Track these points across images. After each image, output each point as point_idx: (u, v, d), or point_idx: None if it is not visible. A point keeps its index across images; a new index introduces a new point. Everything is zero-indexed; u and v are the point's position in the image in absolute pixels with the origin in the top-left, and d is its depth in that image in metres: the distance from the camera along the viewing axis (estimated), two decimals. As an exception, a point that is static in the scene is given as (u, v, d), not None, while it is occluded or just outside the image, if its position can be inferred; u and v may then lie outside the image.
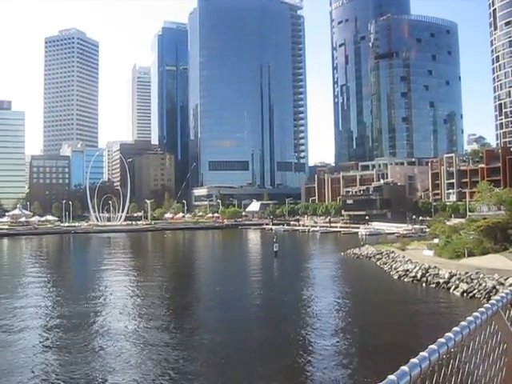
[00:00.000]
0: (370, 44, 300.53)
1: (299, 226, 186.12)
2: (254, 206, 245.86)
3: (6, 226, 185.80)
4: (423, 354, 3.02)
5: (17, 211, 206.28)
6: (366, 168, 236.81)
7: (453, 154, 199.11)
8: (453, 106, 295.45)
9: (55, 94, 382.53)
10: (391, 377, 2.69)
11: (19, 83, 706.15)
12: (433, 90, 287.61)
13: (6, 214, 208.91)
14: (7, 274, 79.63)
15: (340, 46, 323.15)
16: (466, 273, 53.45)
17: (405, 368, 2.81)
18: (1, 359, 31.87)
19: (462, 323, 3.58)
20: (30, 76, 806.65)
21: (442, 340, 3.25)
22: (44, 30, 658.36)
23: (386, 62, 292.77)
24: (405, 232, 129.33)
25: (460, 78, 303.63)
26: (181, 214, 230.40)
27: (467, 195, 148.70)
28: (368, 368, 29.11)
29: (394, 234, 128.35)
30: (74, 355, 32.75)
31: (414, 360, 2.92)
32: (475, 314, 3.78)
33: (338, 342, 36.11)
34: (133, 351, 33.78)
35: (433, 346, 3.13)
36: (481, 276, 51.51)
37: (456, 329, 3.46)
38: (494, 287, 47.91)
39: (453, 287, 52.13)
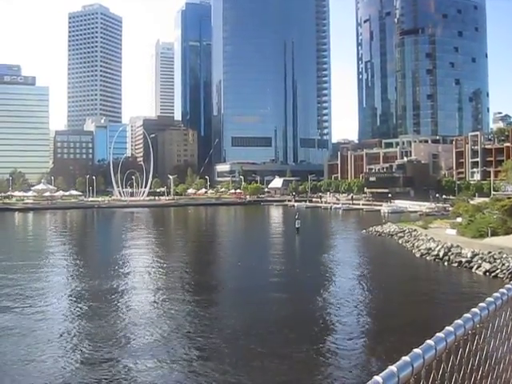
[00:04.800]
0: (396, 20, 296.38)
1: (321, 202, 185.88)
2: (277, 182, 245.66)
3: (31, 201, 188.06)
4: (449, 328, 3.00)
5: (41, 186, 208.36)
6: (389, 145, 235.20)
7: (478, 133, 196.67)
8: (479, 83, 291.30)
9: (79, 69, 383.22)
10: (416, 350, 2.68)
11: (43, 59, 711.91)
12: (459, 67, 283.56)
13: (31, 188, 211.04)
14: (33, 246, 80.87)
15: (365, 21, 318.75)
16: (489, 252, 53.18)
17: (430, 342, 2.79)
18: (27, 327, 32.50)
19: (488, 299, 3.52)
20: (53, 52, 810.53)
21: (467, 315, 3.21)
22: (68, 6, 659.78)
23: (412, 38, 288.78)
24: (428, 210, 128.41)
25: (487, 55, 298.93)
26: (203, 190, 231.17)
27: (492, 174, 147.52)
28: (391, 344, 29.24)
29: (416, 212, 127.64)
30: (96, 326, 33.31)
31: (440, 334, 2.90)
32: (502, 290, 3.72)
33: (359, 318, 36.31)
34: (155, 323, 34.30)
35: (459, 321, 3.11)
36: (504, 256, 51.21)
37: (482, 304, 3.41)
38: (517, 267, 47.68)
39: (475, 266, 51.91)
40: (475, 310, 3.31)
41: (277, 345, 30.27)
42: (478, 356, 3.50)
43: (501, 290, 3.73)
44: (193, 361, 27.66)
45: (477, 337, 3.35)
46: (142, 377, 25.34)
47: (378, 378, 2.34)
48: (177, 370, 26.40)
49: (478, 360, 3.51)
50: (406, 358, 2.59)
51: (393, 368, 2.45)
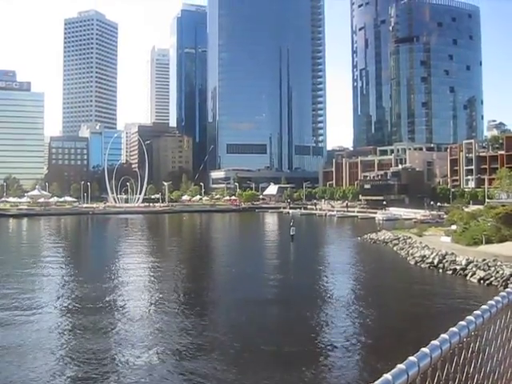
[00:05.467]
0: (391, 28, 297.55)
1: (316, 210, 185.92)
2: (272, 189, 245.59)
3: (26, 207, 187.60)
4: (444, 336, 2.98)
5: (36, 192, 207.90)
6: (384, 153, 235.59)
7: (472, 140, 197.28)
8: (473, 91, 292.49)
9: (74, 75, 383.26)
10: (412, 358, 2.67)
11: (39, 65, 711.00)
12: (453, 75, 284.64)
13: (26, 194, 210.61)
14: (26, 253, 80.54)
15: (360, 29, 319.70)
16: (484, 260, 53.16)
17: (425, 350, 2.79)
18: (20, 337, 32.31)
19: (483, 307, 3.52)
20: (49, 58, 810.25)
21: (463, 323, 3.20)
22: (63, 12, 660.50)
23: (407, 46, 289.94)
24: (422, 218, 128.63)
25: (481, 63, 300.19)
26: (198, 197, 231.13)
27: (486, 182, 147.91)
28: (385, 352, 29.19)
29: (411, 219, 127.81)
30: (88, 336, 33.13)
31: (435, 342, 2.89)
32: (496, 297, 3.72)
33: (353, 327, 36.24)
34: (149, 331, 34.16)
35: (454, 329, 3.10)
36: (498, 263, 51.21)
37: (477, 312, 3.40)
38: (511, 275, 47.67)
39: (470, 274, 51.91)
40: (470, 317, 3.30)
41: (270, 353, 30.18)
42: (473, 364, 3.49)
43: (495, 297, 3.73)
44: (186, 370, 27.56)
45: (472, 344, 3.34)
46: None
47: None
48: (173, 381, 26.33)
49: (472, 367, 3.50)
50: (401, 366, 2.58)
51: (388, 376, 2.45)
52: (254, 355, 29.82)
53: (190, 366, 27.75)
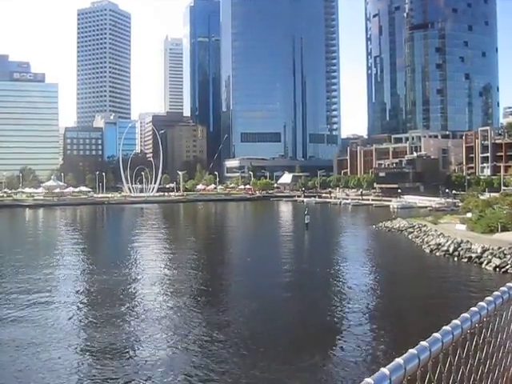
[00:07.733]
0: (405, 14, 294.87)
1: (331, 198, 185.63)
2: (286, 177, 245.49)
3: (41, 197, 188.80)
4: (456, 321, 3.01)
5: (51, 182, 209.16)
6: (399, 140, 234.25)
7: (488, 127, 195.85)
8: (489, 78, 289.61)
9: (88, 66, 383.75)
10: (423, 343, 2.70)
11: (52, 56, 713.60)
12: (468, 62, 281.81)
13: (41, 185, 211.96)
14: (45, 242, 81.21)
15: (374, 16, 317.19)
16: (499, 248, 52.89)
17: (437, 335, 2.81)
18: (36, 326, 32.63)
19: (495, 293, 3.53)
20: (63, 48, 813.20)
21: (474, 309, 3.22)
22: (76, 2, 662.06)
23: (421, 32, 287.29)
24: (437, 206, 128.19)
25: (497, 49, 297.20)
26: (213, 186, 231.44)
27: (502, 169, 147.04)
28: (398, 338, 29.22)
29: (426, 207, 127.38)
30: (104, 325, 33.36)
31: (447, 327, 2.91)
32: (509, 284, 3.73)
33: (367, 313, 36.27)
34: (162, 321, 34.34)
35: (465, 315, 3.12)
36: (514, 251, 51.01)
37: (489, 298, 3.42)
38: (527, 262, 47.46)
39: (485, 262, 51.70)
40: (482, 303, 3.31)
41: (285, 342, 30.30)
42: (485, 349, 3.50)
43: (508, 284, 3.73)
44: (197, 360, 27.73)
45: (484, 330, 3.35)
46: (149, 376, 25.43)
47: (384, 369, 2.38)
48: (184, 371, 26.51)
49: (484, 353, 3.51)
50: (412, 351, 2.61)
51: (399, 360, 2.48)
52: (269, 341, 29.94)
53: (205, 353, 27.92)
